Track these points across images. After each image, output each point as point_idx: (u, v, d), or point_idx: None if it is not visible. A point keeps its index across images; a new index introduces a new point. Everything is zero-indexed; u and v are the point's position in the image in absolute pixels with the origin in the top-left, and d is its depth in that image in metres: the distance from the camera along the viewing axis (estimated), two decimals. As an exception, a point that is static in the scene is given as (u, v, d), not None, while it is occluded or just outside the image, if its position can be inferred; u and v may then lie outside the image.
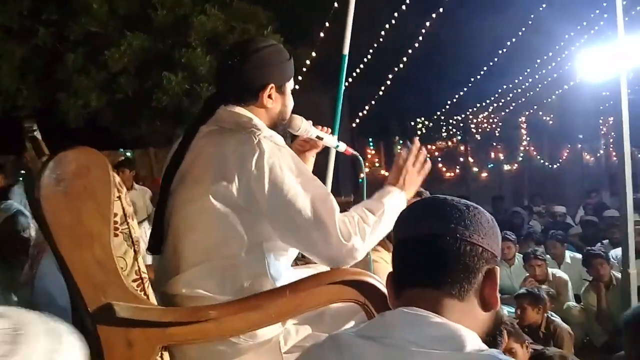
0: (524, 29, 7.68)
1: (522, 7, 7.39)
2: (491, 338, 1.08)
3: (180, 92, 6.70)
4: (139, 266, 1.51)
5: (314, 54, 7.36)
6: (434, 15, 7.40)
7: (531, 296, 4.10)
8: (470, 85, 9.00)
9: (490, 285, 1.05)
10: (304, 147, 2.09)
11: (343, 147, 2.08)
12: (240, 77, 1.77)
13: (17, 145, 6.17)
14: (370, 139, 10.61)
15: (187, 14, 6.93)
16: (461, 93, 9.35)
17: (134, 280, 1.50)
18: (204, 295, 1.64)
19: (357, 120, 8.69)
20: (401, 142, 11.09)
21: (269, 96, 1.77)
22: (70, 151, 1.40)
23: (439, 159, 11.23)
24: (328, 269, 2.17)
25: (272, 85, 1.76)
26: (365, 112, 8.84)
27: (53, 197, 1.37)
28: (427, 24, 7.28)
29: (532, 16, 7.58)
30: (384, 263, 2.90)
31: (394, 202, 1.81)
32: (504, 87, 9.24)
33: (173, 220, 1.73)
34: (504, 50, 7.89)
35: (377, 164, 10.84)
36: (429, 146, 11.27)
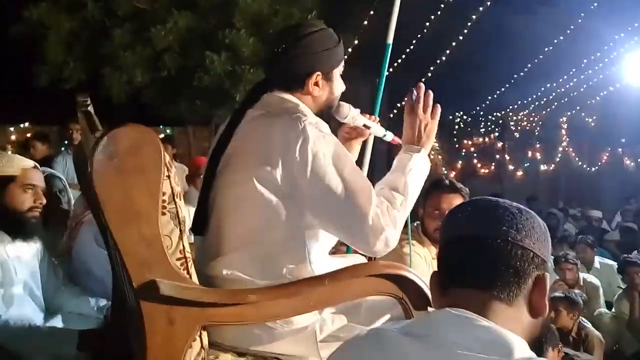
0: (572, 27, 7.49)
1: (571, 6, 7.21)
2: (537, 345, 1.08)
3: (222, 72, 6.74)
4: (183, 245, 1.53)
5: (356, 41, 7.30)
6: (480, 9, 7.27)
7: (568, 300, 4.04)
8: (512, 82, 8.84)
9: (539, 292, 1.04)
10: (351, 135, 2.08)
11: (390, 136, 2.06)
12: (286, 64, 1.76)
13: (61, 116, 6.35)
14: (407, 130, 10.52)
15: (233, -6, 6.94)
16: (502, 90, 9.19)
17: (178, 259, 1.53)
18: (244, 279, 1.66)
19: (396, 111, 8.63)
20: (437, 135, 10.97)
21: (316, 84, 1.76)
22: (124, 128, 1.42)
23: (475, 155, 11.08)
24: (359, 259, 2.19)
25: (319, 72, 1.75)
26: (403, 103, 8.76)
27: (105, 174, 1.40)
28: (473, 17, 7.15)
29: (581, 15, 7.39)
30: (418, 257, 2.90)
31: (417, 168, 1.80)
32: (547, 86, 9.05)
33: (217, 203, 1.75)
34: (550, 48, 7.72)
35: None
36: (465, 141, 11.12)
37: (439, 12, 7.14)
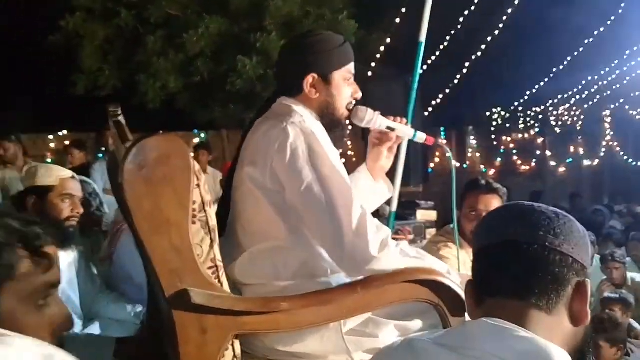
0: (613, 17, 7.25)
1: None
2: (580, 355, 1.02)
3: (254, 76, 6.77)
4: (214, 254, 1.52)
5: (388, 40, 7.23)
6: (516, 2, 7.10)
7: (623, 302, 3.92)
8: (551, 76, 8.62)
9: (580, 299, 0.99)
10: (381, 141, 2.02)
11: (422, 137, 2.01)
12: (283, 70, 1.86)
13: (98, 123, 6.47)
14: (443, 128, 10.38)
15: (263, -3, 6.96)
16: (541, 84, 8.96)
17: (209, 268, 1.52)
18: (259, 283, 1.70)
19: (430, 109, 8.51)
20: (474, 132, 10.79)
21: (313, 86, 1.79)
22: (153, 138, 1.41)
23: (515, 152, 10.84)
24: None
25: (314, 75, 1.78)
26: (438, 100, 8.65)
27: (135, 183, 1.40)
28: (509, 10, 6.99)
29: (621, 5, 7.15)
30: (454, 260, 2.83)
31: None
32: (589, 79, 8.79)
33: (231, 208, 1.81)
34: (590, 40, 7.49)
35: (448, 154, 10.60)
36: (504, 137, 10.89)
37: (472, 7, 7.01)
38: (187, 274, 1.45)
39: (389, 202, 5.38)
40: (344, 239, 1.60)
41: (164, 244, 1.43)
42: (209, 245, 1.52)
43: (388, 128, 1.94)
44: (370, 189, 2.09)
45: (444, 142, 2.29)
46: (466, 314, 1.68)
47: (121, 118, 1.75)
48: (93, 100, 7.37)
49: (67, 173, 2.56)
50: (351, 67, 1.85)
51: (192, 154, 1.46)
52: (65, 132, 9.41)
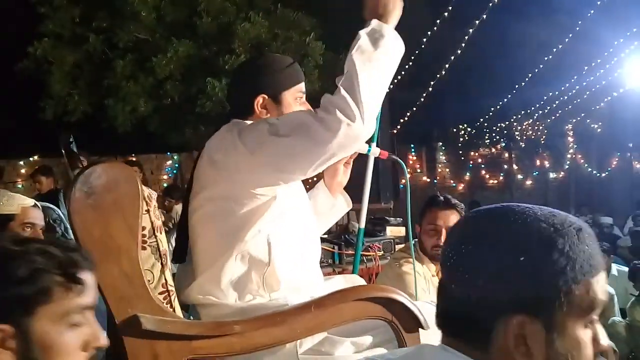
0: (571, 35, 7.46)
1: (569, 12, 7.19)
2: None
3: (224, 97, 6.80)
4: (165, 279, 1.54)
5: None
6: (477, 21, 7.27)
7: None
8: (514, 92, 8.82)
9: (523, 344, 0.81)
10: None
11: (377, 151, 2.06)
12: (234, 92, 1.87)
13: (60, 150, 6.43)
14: (412, 145, 10.52)
15: (231, 21, 7.02)
16: (505, 100, 9.17)
17: (161, 293, 1.54)
18: (215, 303, 1.69)
19: (399, 127, 8.62)
20: (443, 147, 10.95)
21: (263, 107, 1.80)
22: (100, 165, 1.44)
23: (483, 166, 11.02)
24: (359, 280, 2.17)
25: (264, 95, 1.79)
26: (406, 118, 8.77)
27: (83, 211, 1.42)
28: (470, 30, 7.16)
29: (579, 22, 7.37)
30: (418, 275, 2.87)
31: (363, 40, 1.61)
32: (550, 94, 9.02)
33: (189, 230, 1.80)
34: (550, 57, 7.70)
35: (418, 170, 10.74)
36: (472, 153, 11.09)
37: (434, 27, 7.16)
38: (137, 300, 1.47)
39: (357, 219, 5.42)
40: (330, 125, 1.54)
41: (114, 271, 1.44)
42: (159, 270, 1.54)
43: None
44: (329, 205, 2.14)
45: (396, 156, 2.30)
46: (420, 330, 1.73)
47: (73, 146, 1.77)
48: (63, 126, 7.35)
49: (29, 202, 2.55)
50: (301, 86, 1.86)
51: (139, 180, 1.47)
52: (36, 157, 9.32)
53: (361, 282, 2.14)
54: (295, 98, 1.84)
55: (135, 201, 1.46)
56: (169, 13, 7.07)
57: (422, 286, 2.75)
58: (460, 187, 10.96)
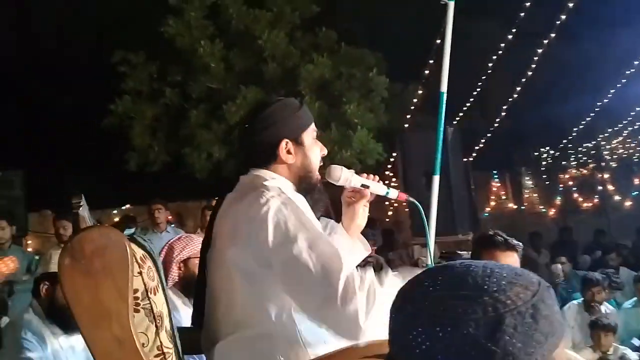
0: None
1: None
2: None
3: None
4: (161, 341, 1.55)
5: (420, 91, 7.24)
6: (552, 35, 6.91)
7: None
8: (597, 109, 8.29)
9: None
10: (354, 198, 2.00)
11: (395, 193, 2.00)
12: (253, 140, 1.79)
13: (149, 198, 6.78)
14: (495, 172, 10.10)
15: (295, 64, 7.19)
16: (588, 119, 8.63)
17: (156, 356, 1.54)
18: None
19: (474, 154, 8.35)
20: (529, 172, 10.44)
21: (288, 151, 1.76)
22: (88, 231, 1.48)
23: (574, 189, 10.37)
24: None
25: (287, 140, 1.76)
26: (481, 145, 8.48)
27: (73, 276, 1.46)
28: (539, 50, 6.84)
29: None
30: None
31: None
32: (637, 109, 8.38)
33: (208, 290, 1.75)
34: (632, 70, 7.18)
35: (503, 197, 10.27)
36: (561, 175, 10.47)
37: (500, 52, 6.91)
38: (130, 364, 1.46)
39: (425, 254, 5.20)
40: (335, 304, 1.52)
41: (105, 336, 1.46)
42: (154, 332, 1.54)
43: (363, 185, 1.94)
44: (349, 249, 2.07)
45: (413, 199, 2.19)
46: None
47: (82, 210, 1.83)
48: (145, 176, 7.78)
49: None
50: (314, 126, 1.86)
51: (128, 244, 1.49)
52: (128, 205, 9.89)
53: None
54: (313, 137, 1.83)
55: (124, 265, 1.48)
56: (236, 62, 7.37)
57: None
58: (551, 212, 10.36)
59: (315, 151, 1.83)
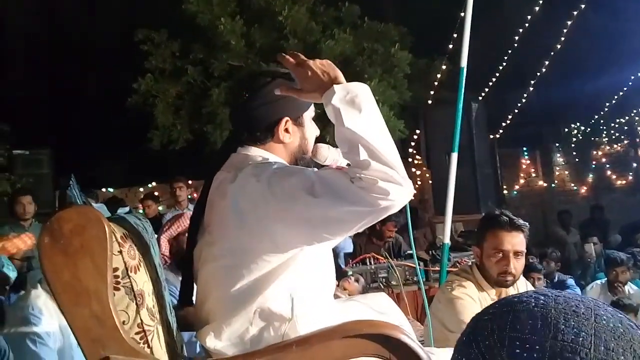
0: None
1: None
2: None
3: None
4: (141, 319, 1.54)
5: (444, 66, 7.07)
6: (582, 5, 6.63)
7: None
8: (630, 83, 7.97)
9: None
10: None
11: None
12: (251, 115, 1.68)
13: (171, 175, 6.87)
14: (525, 148, 9.86)
15: (317, 40, 7.09)
16: (621, 93, 8.31)
17: (137, 333, 1.53)
18: (226, 355, 1.61)
19: (502, 131, 8.15)
20: (560, 148, 10.16)
21: (286, 130, 1.68)
22: (67, 210, 1.47)
23: (607, 166, 10.06)
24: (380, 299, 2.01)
25: (287, 118, 1.68)
26: (510, 121, 8.26)
27: (52, 255, 1.45)
28: (568, 22, 6.58)
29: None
30: (469, 300, 2.65)
31: (351, 102, 1.47)
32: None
33: (199, 275, 1.71)
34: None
35: (533, 175, 10.04)
36: (594, 152, 10.16)
37: (527, 24, 6.67)
38: (109, 342, 1.47)
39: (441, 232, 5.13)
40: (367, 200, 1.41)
41: (85, 314, 1.46)
42: (135, 310, 1.54)
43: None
44: None
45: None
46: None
47: (70, 189, 1.83)
48: (168, 154, 7.86)
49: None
50: (313, 106, 1.75)
51: (106, 223, 1.47)
52: (154, 183, 10.04)
53: (384, 303, 2.00)
54: (310, 118, 1.76)
55: (103, 244, 1.47)
56: (257, 39, 7.31)
57: (474, 311, 2.53)
58: (583, 190, 10.09)
59: (312, 133, 1.77)
